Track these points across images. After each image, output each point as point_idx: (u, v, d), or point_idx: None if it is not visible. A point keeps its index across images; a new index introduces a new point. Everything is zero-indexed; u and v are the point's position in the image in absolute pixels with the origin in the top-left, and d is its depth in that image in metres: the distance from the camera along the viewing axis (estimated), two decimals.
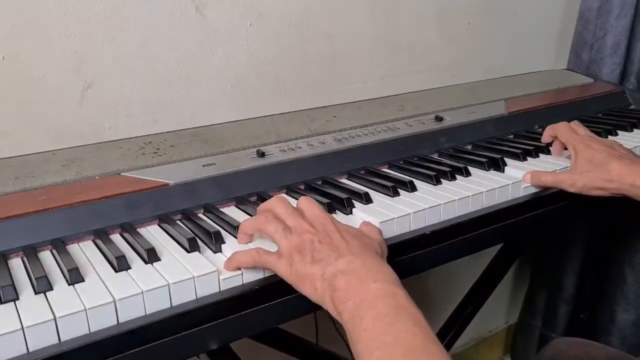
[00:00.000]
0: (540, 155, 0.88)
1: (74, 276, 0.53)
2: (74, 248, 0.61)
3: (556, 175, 0.77)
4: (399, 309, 0.48)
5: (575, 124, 0.85)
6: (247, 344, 0.78)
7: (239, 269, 0.56)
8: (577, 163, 0.77)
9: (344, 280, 0.50)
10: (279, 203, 0.59)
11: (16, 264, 0.57)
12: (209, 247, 0.60)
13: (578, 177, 0.75)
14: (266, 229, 0.57)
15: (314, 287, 0.52)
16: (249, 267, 0.56)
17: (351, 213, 0.68)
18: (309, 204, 0.59)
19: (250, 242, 0.60)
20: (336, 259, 0.52)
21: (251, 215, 0.68)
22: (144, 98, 0.91)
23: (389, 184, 0.74)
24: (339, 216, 0.67)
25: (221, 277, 0.54)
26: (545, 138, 0.88)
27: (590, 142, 0.79)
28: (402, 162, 0.85)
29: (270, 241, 0.59)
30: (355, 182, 0.79)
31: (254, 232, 0.60)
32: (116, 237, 0.63)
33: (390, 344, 0.45)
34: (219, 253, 0.59)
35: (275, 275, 0.57)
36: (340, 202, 0.69)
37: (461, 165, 0.80)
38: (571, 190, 0.76)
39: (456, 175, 0.78)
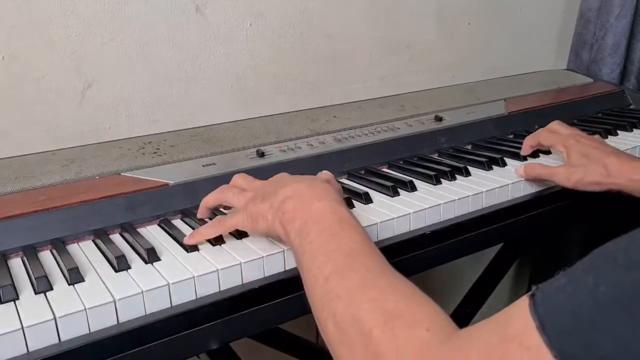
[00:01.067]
0: (540, 155, 0.88)
1: (74, 276, 0.53)
2: (74, 248, 0.61)
3: (551, 169, 0.76)
4: (341, 221, 0.51)
5: (556, 124, 0.84)
6: (247, 344, 0.78)
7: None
8: (571, 158, 0.76)
9: (291, 203, 0.54)
10: (239, 176, 0.64)
11: (16, 264, 0.57)
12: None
13: (573, 170, 0.74)
14: (225, 196, 0.62)
15: (266, 219, 0.55)
16: (214, 236, 0.59)
17: None
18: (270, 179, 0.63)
19: (209, 217, 0.64)
20: (283, 187, 0.56)
21: None
22: (144, 98, 0.91)
23: (389, 184, 0.74)
24: None
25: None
26: (526, 150, 0.85)
27: (579, 138, 0.78)
28: (402, 162, 0.85)
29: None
30: (355, 182, 0.79)
31: (216, 203, 0.64)
32: (116, 237, 0.63)
33: (333, 250, 0.49)
34: (219, 253, 0.59)
35: (275, 275, 0.57)
36: None
37: (461, 165, 0.80)
38: (566, 184, 0.74)
39: (456, 175, 0.78)
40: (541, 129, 0.84)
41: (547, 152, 0.89)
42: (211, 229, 0.59)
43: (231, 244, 0.60)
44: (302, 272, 0.51)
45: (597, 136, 0.81)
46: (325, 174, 0.64)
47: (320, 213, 0.52)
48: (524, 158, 0.86)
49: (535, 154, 0.87)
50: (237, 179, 0.64)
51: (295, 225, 0.52)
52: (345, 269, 0.47)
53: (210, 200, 0.64)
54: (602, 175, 0.72)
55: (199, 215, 0.65)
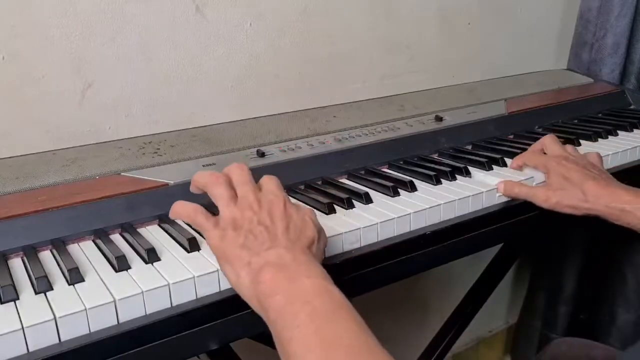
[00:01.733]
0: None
1: (74, 276, 0.53)
2: (74, 248, 0.61)
3: (530, 189, 0.75)
4: (336, 306, 0.45)
5: (548, 139, 0.83)
6: (247, 344, 0.78)
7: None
8: (551, 179, 0.76)
9: (270, 272, 0.48)
10: (237, 169, 0.57)
11: (16, 264, 0.57)
12: None
13: (552, 193, 0.74)
14: (213, 191, 0.55)
15: (237, 274, 0.50)
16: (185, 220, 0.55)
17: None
18: (269, 179, 0.57)
19: (199, 192, 0.58)
20: (267, 249, 0.50)
21: None
22: (144, 98, 0.91)
23: (389, 184, 0.74)
24: (340, 215, 0.67)
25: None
26: (514, 167, 0.83)
27: (562, 160, 0.77)
28: (402, 162, 0.85)
29: None
30: (355, 182, 0.79)
31: (201, 189, 0.57)
32: (116, 237, 0.63)
33: (330, 342, 0.43)
34: None
35: None
36: (340, 202, 0.69)
37: (461, 165, 0.80)
38: (544, 205, 0.74)
39: (456, 175, 0.78)
40: (531, 147, 0.84)
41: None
42: (184, 213, 0.54)
43: None
44: (284, 356, 0.45)
45: (589, 158, 0.80)
46: (311, 228, 0.54)
47: (310, 293, 0.46)
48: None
49: None
50: (234, 171, 0.57)
51: (275, 301, 0.46)
52: None
53: (199, 181, 0.57)
54: (579, 200, 0.72)
55: (190, 189, 0.59)
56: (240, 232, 0.51)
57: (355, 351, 0.42)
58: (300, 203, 0.58)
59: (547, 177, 0.77)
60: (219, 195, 0.54)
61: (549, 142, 0.83)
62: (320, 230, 0.55)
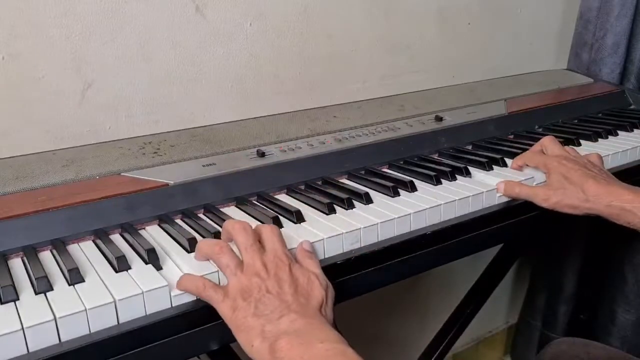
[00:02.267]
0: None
1: (74, 276, 0.53)
2: (74, 248, 0.61)
3: (530, 189, 0.76)
4: None
5: (547, 140, 0.82)
6: None
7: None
8: (551, 179, 0.76)
9: (286, 340, 0.48)
10: (240, 231, 0.56)
11: (16, 264, 0.57)
12: None
13: (552, 193, 0.74)
14: (219, 261, 0.55)
15: (251, 343, 0.50)
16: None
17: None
18: (271, 236, 0.57)
19: (206, 260, 0.57)
20: (279, 317, 0.50)
21: (251, 215, 0.68)
22: (144, 98, 0.91)
23: (389, 184, 0.74)
24: (340, 215, 0.67)
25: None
26: (514, 168, 0.83)
27: (562, 159, 0.77)
28: (402, 162, 0.85)
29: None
30: (356, 182, 0.78)
31: (206, 257, 0.57)
32: (116, 237, 0.63)
33: None
34: None
35: None
36: (340, 202, 0.69)
37: (461, 165, 0.80)
38: (544, 205, 0.74)
39: (456, 175, 0.78)
40: (531, 148, 0.84)
41: None
42: (192, 288, 0.53)
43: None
44: None
45: (589, 157, 0.80)
46: (318, 289, 0.54)
47: (325, 356, 0.47)
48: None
49: None
50: (238, 234, 0.56)
51: None
52: None
53: (203, 251, 0.57)
54: (580, 199, 0.72)
55: (196, 258, 0.57)
56: (250, 301, 0.52)
57: None
58: (311, 263, 0.57)
59: (548, 176, 0.77)
60: (224, 265, 0.54)
61: (548, 142, 0.83)
62: (327, 288, 0.55)
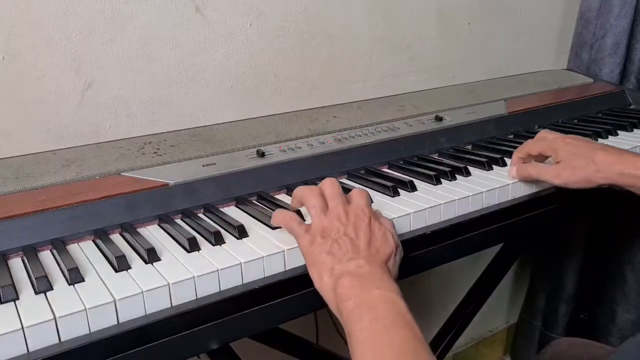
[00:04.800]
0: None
1: (74, 276, 0.53)
2: (74, 248, 0.61)
3: (541, 168, 0.76)
4: (396, 315, 0.50)
5: (541, 133, 0.82)
6: (247, 344, 0.78)
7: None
8: (560, 157, 0.75)
9: (348, 280, 0.53)
10: (329, 183, 0.62)
11: (16, 264, 0.57)
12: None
13: (562, 167, 0.73)
14: (308, 201, 0.61)
15: (320, 276, 0.55)
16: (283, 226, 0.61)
17: None
18: (359, 194, 0.62)
19: (299, 207, 0.64)
20: (348, 260, 0.55)
21: (250, 215, 0.68)
22: (144, 98, 0.91)
23: (389, 184, 0.74)
24: None
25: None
26: (514, 162, 0.81)
27: (565, 138, 0.77)
28: (402, 162, 0.85)
29: None
30: (355, 182, 0.79)
31: (299, 201, 0.63)
32: (116, 237, 0.63)
33: (384, 345, 0.47)
34: (219, 253, 0.59)
35: (275, 275, 0.57)
36: None
37: (461, 165, 0.80)
38: (556, 182, 0.74)
39: (456, 175, 0.78)
40: (528, 140, 0.83)
41: None
42: (281, 220, 0.60)
43: (231, 244, 0.60)
44: (351, 354, 0.50)
45: (581, 137, 0.80)
46: (390, 244, 0.58)
47: (376, 300, 0.51)
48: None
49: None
50: (327, 185, 0.62)
51: (348, 306, 0.51)
52: None
53: (297, 194, 0.63)
54: (591, 170, 0.72)
55: (292, 205, 0.65)
56: (327, 240, 0.57)
57: (404, 356, 0.47)
58: (386, 221, 0.61)
59: (556, 156, 0.76)
60: (312, 205, 0.60)
61: (544, 133, 0.82)
62: (397, 246, 0.59)
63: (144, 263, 0.56)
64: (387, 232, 0.59)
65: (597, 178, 0.72)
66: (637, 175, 0.70)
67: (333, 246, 0.56)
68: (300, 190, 0.63)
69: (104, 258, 0.58)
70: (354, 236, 0.57)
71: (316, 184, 0.76)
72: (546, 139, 0.80)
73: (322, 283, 0.55)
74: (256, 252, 0.58)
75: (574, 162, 0.73)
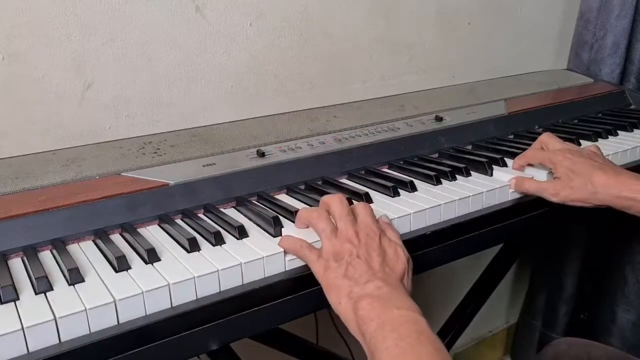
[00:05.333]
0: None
1: (74, 276, 0.53)
2: (74, 248, 0.61)
3: (539, 184, 0.76)
4: (420, 333, 0.50)
5: (546, 137, 0.82)
6: (247, 344, 0.78)
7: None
8: (558, 173, 0.75)
9: (368, 302, 0.53)
10: (337, 202, 0.62)
11: (16, 264, 0.57)
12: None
13: (561, 187, 0.74)
14: (316, 225, 0.60)
15: (339, 300, 0.55)
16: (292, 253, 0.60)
17: None
18: (364, 210, 0.62)
19: (305, 227, 0.63)
20: (365, 282, 0.55)
21: (250, 215, 0.68)
22: (144, 98, 0.91)
23: (389, 184, 0.74)
24: None
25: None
26: (517, 167, 0.82)
27: (566, 153, 0.77)
28: (402, 162, 0.85)
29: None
30: (355, 182, 0.79)
31: (305, 223, 0.63)
32: (116, 237, 0.63)
33: None
34: (219, 253, 0.59)
35: (275, 276, 0.57)
36: None
37: (461, 165, 0.80)
38: (553, 200, 0.74)
39: (456, 175, 0.78)
40: (530, 147, 0.83)
41: None
42: (291, 247, 0.59)
43: (231, 244, 0.60)
44: None
45: (589, 148, 0.80)
46: (402, 261, 0.59)
47: (398, 321, 0.51)
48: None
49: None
50: (334, 204, 0.61)
51: (370, 327, 0.52)
52: None
53: (303, 217, 0.63)
54: (588, 192, 0.72)
55: (296, 226, 0.64)
56: (342, 264, 0.57)
57: None
58: (393, 234, 0.62)
59: (555, 171, 0.76)
60: (321, 229, 0.60)
61: (547, 138, 0.82)
62: (408, 260, 0.60)
63: (144, 263, 0.56)
64: (397, 248, 0.59)
65: (593, 199, 0.72)
66: (634, 198, 0.70)
67: (348, 269, 0.56)
68: (306, 212, 0.63)
69: (104, 258, 0.58)
70: (367, 257, 0.57)
71: (316, 184, 0.76)
72: (548, 150, 0.80)
73: (341, 306, 0.55)
74: (256, 253, 0.58)
75: (572, 180, 0.73)
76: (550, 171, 0.78)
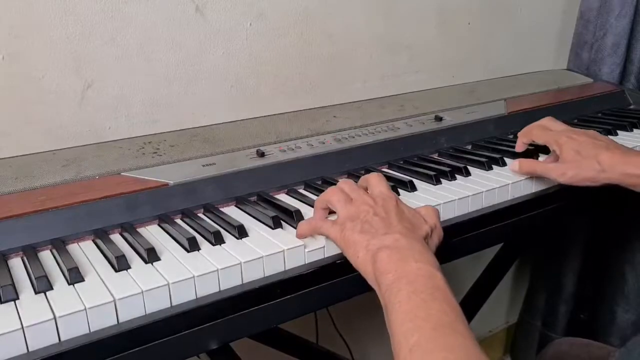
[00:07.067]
0: (541, 155, 0.88)
1: (74, 276, 0.53)
2: (74, 248, 0.61)
3: (546, 165, 0.76)
4: (435, 289, 0.50)
5: (547, 120, 0.83)
6: (247, 344, 0.78)
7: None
8: (564, 154, 0.75)
9: (386, 253, 0.53)
10: (346, 181, 0.64)
11: (16, 264, 0.57)
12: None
13: (567, 166, 0.74)
14: (331, 197, 0.62)
15: (356, 254, 0.55)
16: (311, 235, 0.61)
17: None
18: (378, 181, 0.63)
19: (326, 216, 0.64)
20: (384, 234, 0.55)
21: (249, 215, 0.68)
22: (144, 98, 0.91)
23: (389, 184, 0.74)
24: None
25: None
26: (519, 147, 0.84)
27: (571, 134, 0.77)
28: (402, 162, 0.85)
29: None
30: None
31: (322, 205, 0.63)
32: (116, 237, 0.63)
33: (421, 318, 0.47)
34: (219, 252, 0.59)
35: (275, 275, 0.57)
36: None
37: (461, 165, 0.80)
38: (560, 180, 0.74)
39: (456, 175, 0.78)
40: (532, 124, 0.84)
41: (547, 152, 0.88)
42: (308, 227, 0.61)
43: (231, 243, 0.60)
44: (388, 327, 0.50)
45: (590, 130, 0.81)
46: (430, 212, 0.61)
47: (415, 274, 0.51)
48: (519, 155, 0.84)
49: (535, 154, 0.87)
50: (344, 183, 0.64)
51: (387, 279, 0.51)
52: (430, 344, 0.45)
53: (319, 200, 0.64)
54: (596, 170, 0.72)
55: (317, 216, 0.64)
56: (357, 222, 0.57)
57: (441, 329, 0.47)
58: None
59: (560, 152, 0.76)
60: (336, 200, 0.61)
61: (549, 121, 0.83)
62: (433, 228, 0.60)
63: (143, 263, 0.56)
64: (417, 214, 0.60)
65: (601, 178, 0.72)
66: None
67: (364, 225, 0.56)
68: (321, 195, 0.64)
69: (104, 258, 0.58)
70: (384, 215, 0.57)
71: (316, 184, 0.76)
72: (551, 130, 0.80)
73: (359, 259, 0.55)
74: (256, 252, 0.58)
75: (578, 161, 0.74)
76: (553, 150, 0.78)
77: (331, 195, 0.62)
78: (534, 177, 0.78)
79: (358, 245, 0.55)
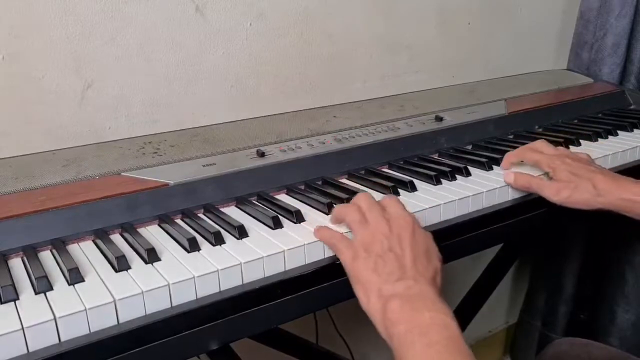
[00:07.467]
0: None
1: (74, 276, 0.53)
2: (74, 248, 0.61)
3: (541, 181, 0.76)
4: (449, 340, 0.49)
5: (540, 144, 0.81)
6: (247, 344, 0.78)
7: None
8: (558, 175, 0.75)
9: (398, 303, 0.52)
10: (363, 195, 0.63)
11: (16, 264, 0.57)
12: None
13: (563, 185, 0.73)
14: (347, 217, 0.61)
15: (367, 297, 0.54)
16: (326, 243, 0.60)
17: None
18: (394, 202, 0.62)
19: (339, 223, 0.63)
20: (396, 280, 0.54)
21: (250, 215, 0.68)
22: (144, 98, 0.91)
23: (389, 184, 0.74)
24: None
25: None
26: (505, 166, 0.81)
27: (564, 158, 0.77)
28: (402, 162, 0.85)
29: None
30: (355, 182, 0.78)
31: (338, 220, 0.63)
32: (116, 237, 0.63)
33: None
34: (219, 253, 0.59)
35: (275, 275, 0.57)
36: (340, 202, 0.69)
37: (461, 165, 0.80)
38: (554, 199, 0.74)
39: (456, 175, 0.78)
40: (524, 146, 0.82)
41: None
42: (326, 236, 0.60)
43: (231, 244, 0.60)
44: None
45: (584, 155, 0.80)
46: (436, 257, 0.59)
47: (428, 325, 0.50)
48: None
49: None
50: (361, 199, 0.62)
51: (398, 330, 0.50)
52: None
53: (336, 213, 0.63)
54: (591, 193, 0.72)
55: (332, 223, 0.64)
56: (371, 255, 0.56)
57: None
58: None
59: (554, 174, 0.76)
60: (351, 220, 0.60)
61: (542, 144, 0.81)
62: (441, 258, 0.59)
63: (144, 263, 0.56)
64: (431, 244, 0.58)
65: (596, 202, 0.72)
66: (636, 200, 0.71)
67: (377, 262, 0.55)
68: (338, 208, 0.63)
69: (104, 258, 0.58)
70: (399, 252, 0.56)
71: (317, 184, 0.76)
72: (543, 154, 0.79)
73: (370, 305, 0.54)
74: (256, 252, 0.58)
75: (574, 182, 0.73)
76: (546, 173, 0.78)
77: (346, 214, 0.61)
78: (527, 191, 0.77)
79: (369, 287, 0.54)
